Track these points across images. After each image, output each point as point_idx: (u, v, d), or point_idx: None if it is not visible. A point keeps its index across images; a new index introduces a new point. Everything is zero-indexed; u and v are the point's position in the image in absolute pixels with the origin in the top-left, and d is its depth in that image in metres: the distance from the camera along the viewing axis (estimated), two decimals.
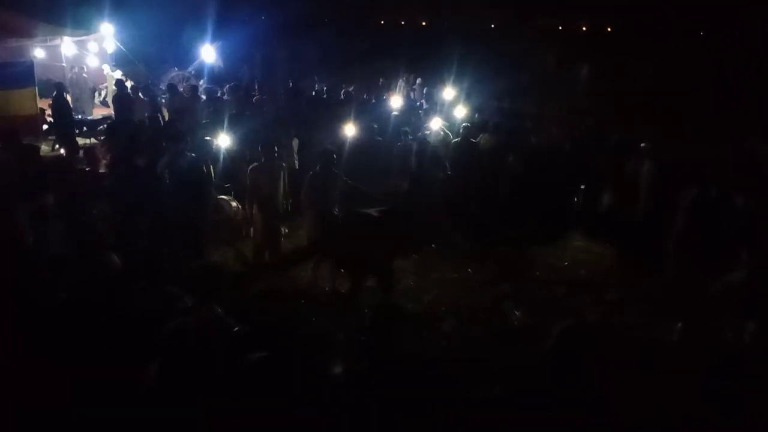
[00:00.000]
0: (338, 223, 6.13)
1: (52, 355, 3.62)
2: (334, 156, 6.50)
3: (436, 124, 9.23)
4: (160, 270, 5.96)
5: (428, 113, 11.08)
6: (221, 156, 7.65)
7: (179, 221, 6.59)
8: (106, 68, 15.04)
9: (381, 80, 16.67)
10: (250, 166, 6.64)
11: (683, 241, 5.98)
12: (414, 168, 7.88)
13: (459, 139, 8.94)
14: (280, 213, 6.76)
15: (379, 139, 9.64)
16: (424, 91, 15.26)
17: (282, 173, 6.73)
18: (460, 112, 10.23)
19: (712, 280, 4.30)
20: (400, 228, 5.98)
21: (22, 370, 3.56)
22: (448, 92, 12.41)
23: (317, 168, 6.39)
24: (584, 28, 45.84)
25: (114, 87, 13.93)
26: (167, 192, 6.74)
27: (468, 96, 13.52)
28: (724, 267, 4.78)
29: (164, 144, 7.42)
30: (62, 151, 7.38)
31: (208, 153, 7.62)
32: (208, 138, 8.17)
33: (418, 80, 16.28)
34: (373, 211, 6.01)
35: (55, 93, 11.59)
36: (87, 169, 6.80)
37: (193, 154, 6.74)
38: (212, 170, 6.99)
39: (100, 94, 15.48)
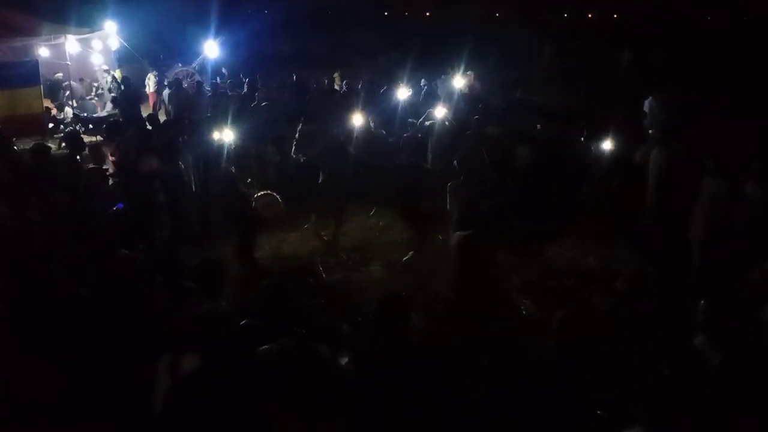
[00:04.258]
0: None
1: (71, 349, 3.62)
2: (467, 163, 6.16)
3: (440, 113, 9.13)
4: (178, 265, 5.95)
5: (428, 103, 10.92)
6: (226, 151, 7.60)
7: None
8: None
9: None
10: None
11: (709, 230, 5.92)
12: None
13: (471, 131, 8.87)
14: None
15: (383, 132, 9.57)
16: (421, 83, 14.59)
17: None
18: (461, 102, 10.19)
19: (749, 268, 4.22)
20: None
21: (38, 365, 3.57)
22: (458, 81, 12.29)
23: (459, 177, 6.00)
24: (590, 16, 45.46)
25: (111, 85, 14.01)
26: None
27: (473, 86, 13.41)
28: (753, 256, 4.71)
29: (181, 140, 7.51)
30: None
31: (210, 149, 7.63)
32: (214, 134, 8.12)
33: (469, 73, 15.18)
34: None
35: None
36: (103, 167, 6.81)
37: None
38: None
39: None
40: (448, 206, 6.09)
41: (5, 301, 3.70)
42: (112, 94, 13.32)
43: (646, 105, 10.34)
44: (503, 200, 7.02)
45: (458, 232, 5.29)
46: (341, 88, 13.56)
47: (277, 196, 6.84)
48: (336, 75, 15.30)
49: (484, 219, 5.86)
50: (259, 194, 6.80)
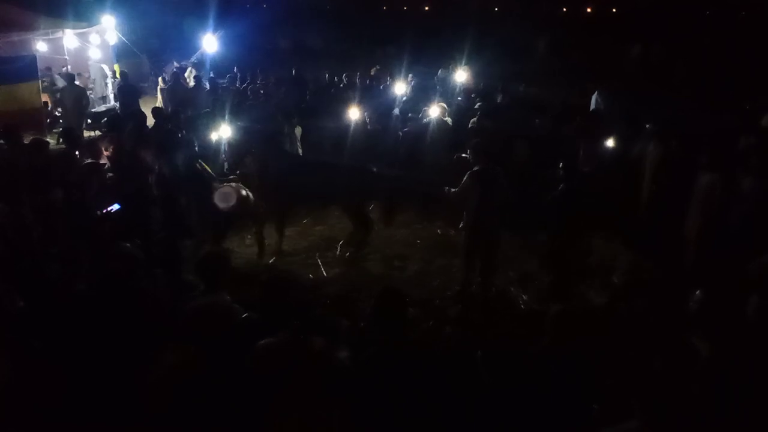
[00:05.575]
0: None
1: (72, 345, 3.63)
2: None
3: (434, 112, 9.10)
4: (177, 259, 5.96)
5: (418, 97, 10.87)
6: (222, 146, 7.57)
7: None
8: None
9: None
10: None
11: (704, 226, 5.93)
12: None
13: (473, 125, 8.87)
14: None
15: (379, 127, 9.54)
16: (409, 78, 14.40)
17: None
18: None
19: (746, 262, 4.23)
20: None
21: (38, 363, 3.57)
22: (460, 75, 12.27)
23: (476, 167, 5.88)
24: (588, 10, 45.29)
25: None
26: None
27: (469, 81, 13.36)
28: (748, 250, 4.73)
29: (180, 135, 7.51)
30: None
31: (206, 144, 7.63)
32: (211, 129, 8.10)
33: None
34: None
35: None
36: (100, 162, 6.79)
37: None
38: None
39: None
40: (463, 194, 5.99)
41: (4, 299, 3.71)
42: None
43: (593, 100, 10.36)
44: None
45: None
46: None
47: (240, 187, 6.48)
48: (374, 70, 14.46)
49: (501, 207, 5.90)
50: (219, 186, 6.48)
